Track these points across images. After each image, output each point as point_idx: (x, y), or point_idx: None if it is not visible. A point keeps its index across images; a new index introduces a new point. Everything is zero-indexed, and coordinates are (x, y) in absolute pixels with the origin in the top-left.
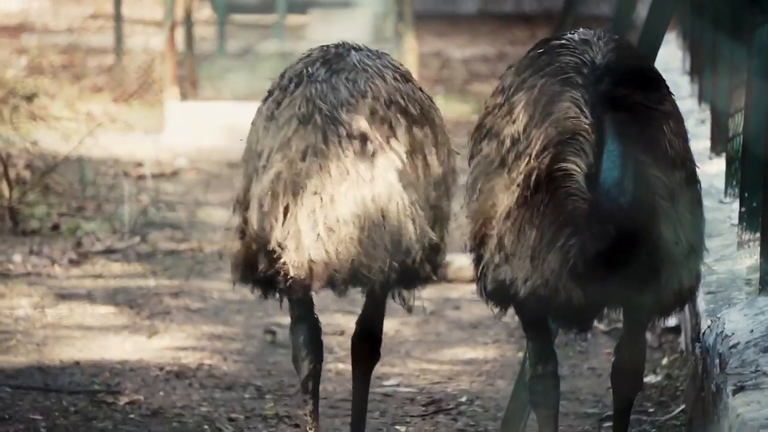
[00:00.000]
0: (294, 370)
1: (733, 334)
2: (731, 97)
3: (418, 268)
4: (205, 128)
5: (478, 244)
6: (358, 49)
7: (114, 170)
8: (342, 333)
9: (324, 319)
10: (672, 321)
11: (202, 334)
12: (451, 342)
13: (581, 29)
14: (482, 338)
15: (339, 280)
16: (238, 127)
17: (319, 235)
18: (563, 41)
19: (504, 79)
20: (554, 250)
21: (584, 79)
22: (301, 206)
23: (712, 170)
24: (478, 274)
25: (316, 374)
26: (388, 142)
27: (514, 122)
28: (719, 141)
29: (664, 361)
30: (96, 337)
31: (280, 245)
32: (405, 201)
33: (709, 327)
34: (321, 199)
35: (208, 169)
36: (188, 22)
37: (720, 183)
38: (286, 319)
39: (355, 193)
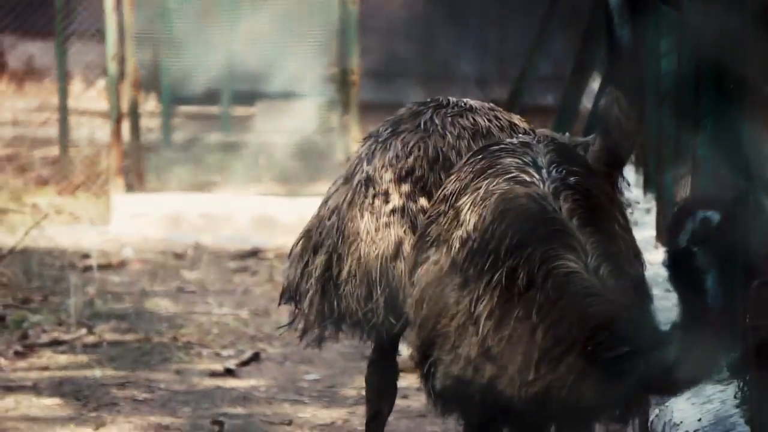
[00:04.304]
0: None
1: (681, 422)
2: (676, 187)
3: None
4: (151, 219)
5: (427, 346)
6: (443, 106)
7: (60, 262)
8: (290, 423)
9: (271, 409)
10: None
11: (149, 424)
12: (400, 431)
13: (519, 135)
14: (430, 427)
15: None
16: (184, 218)
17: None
18: (502, 145)
19: (445, 187)
20: (573, 351)
21: (531, 177)
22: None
23: (657, 259)
24: (425, 373)
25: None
26: (415, 201)
27: (461, 225)
28: (664, 230)
29: None
30: (42, 429)
31: None
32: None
33: (656, 416)
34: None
35: (154, 260)
36: (134, 113)
37: (665, 272)
38: (233, 409)
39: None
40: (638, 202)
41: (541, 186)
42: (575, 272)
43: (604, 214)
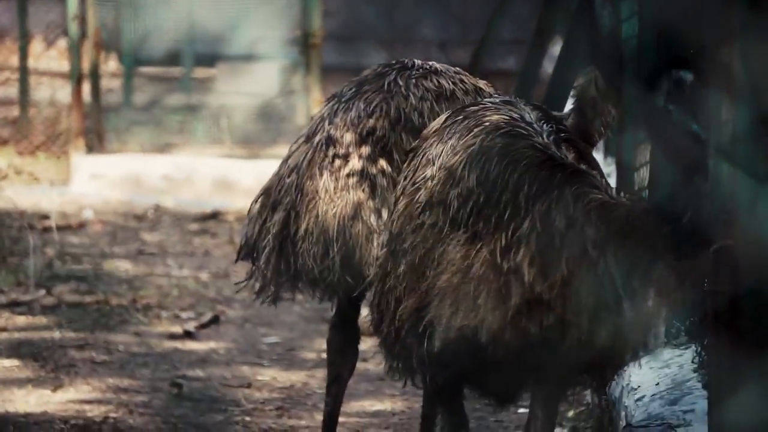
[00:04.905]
0: (201, 423)
1: (638, 386)
2: (636, 152)
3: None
4: (111, 181)
5: (423, 307)
6: (408, 68)
7: (19, 223)
8: (249, 385)
9: (230, 372)
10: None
11: (107, 387)
12: (359, 395)
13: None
14: (389, 390)
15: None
16: (145, 180)
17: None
18: (482, 105)
19: (424, 151)
20: (659, 262)
21: (526, 131)
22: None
23: None
24: (420, 333)
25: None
26: (375, 162)
27: (457, 183)
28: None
29: (570, 413)
30: (0, 390)
31: None
32: (372, 221)
33: (615, 380)
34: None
35: (114, 221)
36: (95, 74)
37: None
38: (192, 372)
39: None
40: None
41: (541, 138)
42: (611, 202)
43: (597, 167)
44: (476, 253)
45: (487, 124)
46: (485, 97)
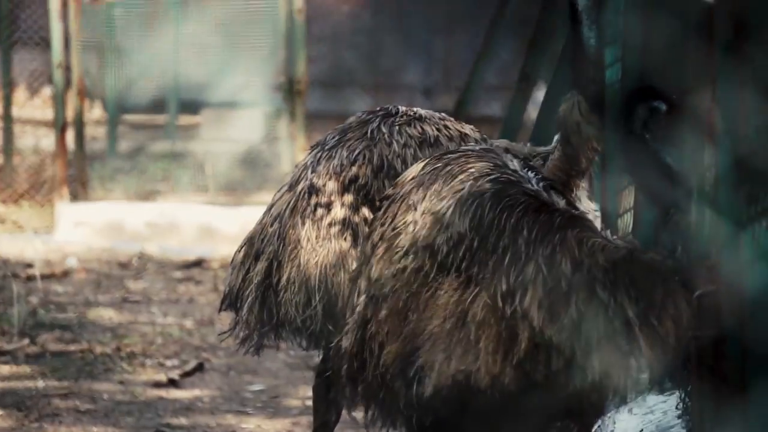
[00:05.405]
0: None
1: None
2: (620, 197)
3: None
4: (95, 228)
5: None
6: (392, 115)
7: (3, 271)
8: None
9: (214, 420)
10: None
11: None
12: None
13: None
14: None
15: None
16: (129, 227)
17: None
18: (462, 152)
19: (404, 197)
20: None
21: (515, 178)
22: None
23: None
24: (409, 379)
25: None
26: (357, 210)
27: (446, 228)
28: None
29: None
30: None
31: None
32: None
33: (599, 427)
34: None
35: (98, 269)
36: (79, 122)
37: None
38: (177, 420)
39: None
40: (597, 210)
41: (530, 185)
42: (612, 245)
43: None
44: (473, 298)
45: (472, 170)
46: (469, 143)
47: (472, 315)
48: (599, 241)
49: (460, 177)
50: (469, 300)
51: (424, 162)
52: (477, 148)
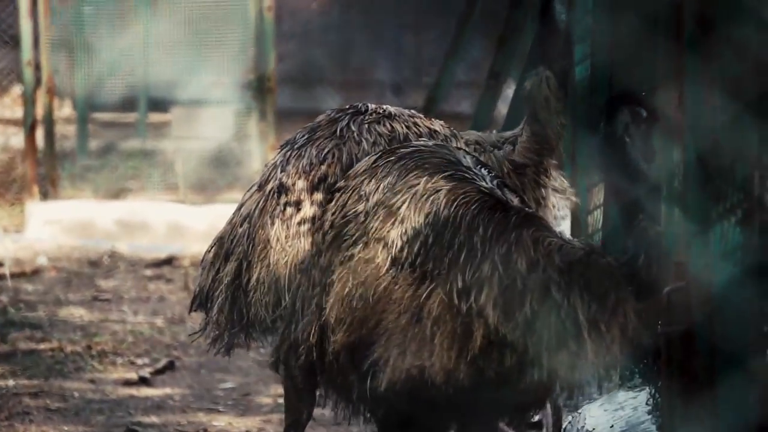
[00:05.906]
0: None
1: (594, 429)
2: (590, 194)
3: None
4: (65, 227)
5: (365, 346)
6: (361, 113)
7: None
8: (204, 431)
9: (185, 418)
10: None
11: None
12: None
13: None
14: None
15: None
16: (99, 226)
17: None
18: (416, 147)
19: (356, 187)
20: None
21: (469, 175)
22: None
23: None
24: (363, 374)
25: None
26: (326, 209)
27: (401, 222)
28: (578, 237)
29: None
30: None
31: None
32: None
33: (569, 422)
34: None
35: (69, 268)
36: (49, 120)
37: None
38: (147, 418)
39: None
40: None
41: (484, 182)
42: (568, 245)
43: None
44: (428, 293)
45: (427, 166)
46: (440, 140)
47: (428, 311)
48: (555, 240)
49: (416, 172)
50: (424, 296)
51: (377, 155)
52: (431, 143)
